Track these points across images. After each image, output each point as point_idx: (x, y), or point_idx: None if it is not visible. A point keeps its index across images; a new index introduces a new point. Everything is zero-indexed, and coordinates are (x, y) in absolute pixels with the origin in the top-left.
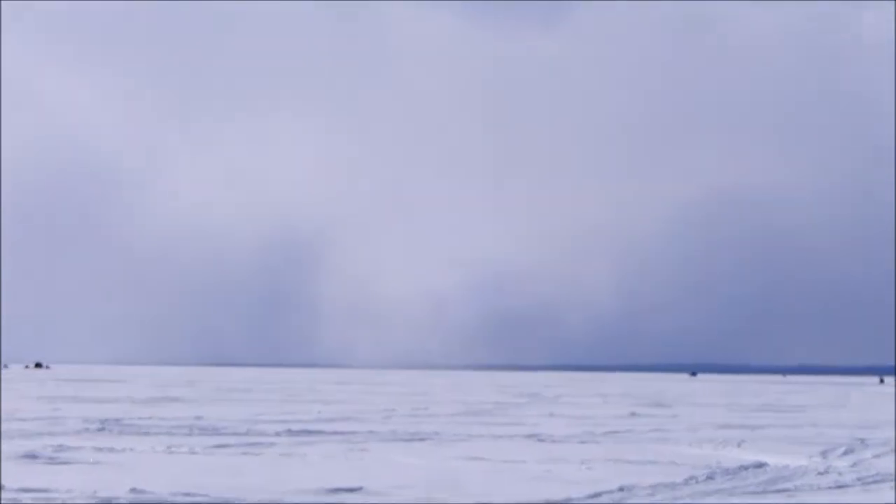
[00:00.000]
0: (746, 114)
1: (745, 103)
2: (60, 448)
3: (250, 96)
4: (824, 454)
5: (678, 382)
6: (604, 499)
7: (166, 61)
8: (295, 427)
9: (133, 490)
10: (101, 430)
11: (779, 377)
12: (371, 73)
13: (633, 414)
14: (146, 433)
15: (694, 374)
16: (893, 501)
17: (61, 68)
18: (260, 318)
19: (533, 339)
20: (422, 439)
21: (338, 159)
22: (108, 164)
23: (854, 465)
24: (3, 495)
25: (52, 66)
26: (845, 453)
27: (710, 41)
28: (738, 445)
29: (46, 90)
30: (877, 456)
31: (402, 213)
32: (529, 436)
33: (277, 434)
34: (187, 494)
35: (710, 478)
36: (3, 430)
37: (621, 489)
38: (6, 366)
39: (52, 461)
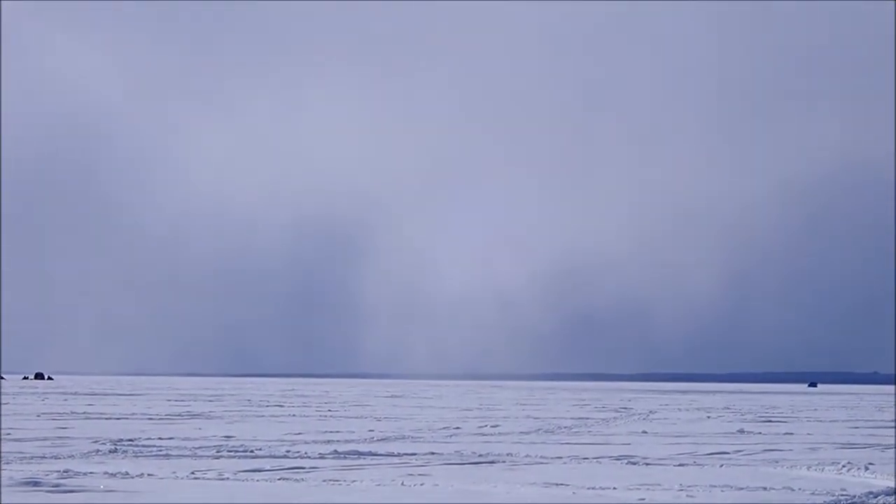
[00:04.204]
0: (875, 72)
1: (868, 61)
2: (66, 473)
3: (279, 56)
4: None
5: (794, 394)
6: None
7: (180, 15)
8: (341, 448)
9: None
10: (113, 451)
11: None
12: (423, 22)
13: (740, 431)
14: (166, 456)
15: (814, 384)
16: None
17: (56, 26)
18: (293, 319)
19: (619, 344)
20: (491, 462)
21: (385, 129)
22: (113, 139)
23: None
24: None
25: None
26: None
27: None
28: (866, 468)
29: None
30: None
31: (463, 193)
32: (618, 458)
33: (321, 456)
34: None
35: None
36: (0, 452)
37: None
38: (2, 377)
39: (56, 489)
